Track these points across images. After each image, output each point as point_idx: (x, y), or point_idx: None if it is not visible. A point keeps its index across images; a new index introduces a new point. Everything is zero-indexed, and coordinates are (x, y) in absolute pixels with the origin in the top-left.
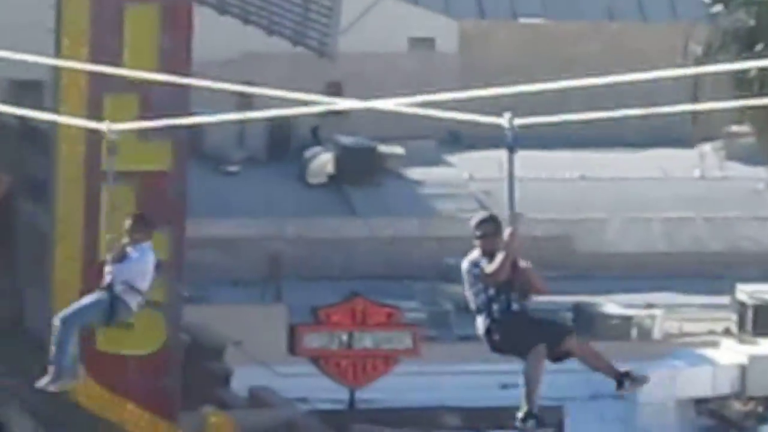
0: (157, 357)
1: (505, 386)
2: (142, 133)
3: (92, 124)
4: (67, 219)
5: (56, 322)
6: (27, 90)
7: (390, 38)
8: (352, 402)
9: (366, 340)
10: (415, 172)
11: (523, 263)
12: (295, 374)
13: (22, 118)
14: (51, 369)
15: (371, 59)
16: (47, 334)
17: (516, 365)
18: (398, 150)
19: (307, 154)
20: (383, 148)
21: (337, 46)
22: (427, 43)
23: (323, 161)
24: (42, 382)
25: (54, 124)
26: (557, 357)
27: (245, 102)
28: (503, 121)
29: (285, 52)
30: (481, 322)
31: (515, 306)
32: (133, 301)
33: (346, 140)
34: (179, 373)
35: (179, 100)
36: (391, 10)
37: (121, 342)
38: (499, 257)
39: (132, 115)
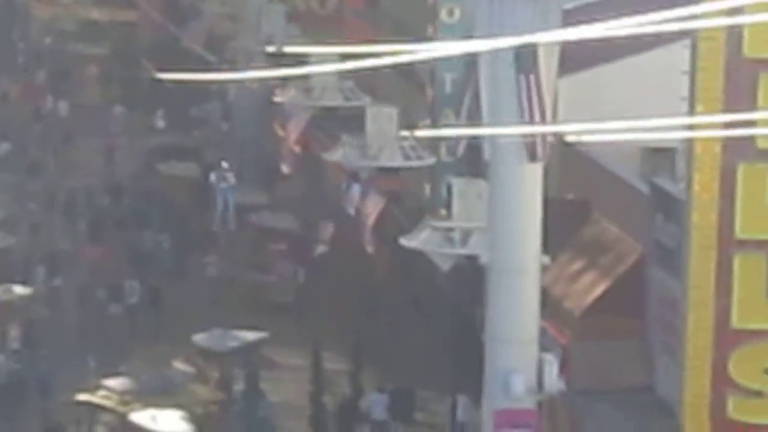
0: None
1: None
2: None
3: None
4: (698, 287)
5: None
6: (660, 157)
7: None
8: None
9: None
10: None
11: None
12: None
13: (654, 187)
14: None
15: None
16: (675, 402)
17: None
18: None
19: None
20: None
21: None
22: None
23: None
24: None
25: (687, 192)
26: None
27: None
28: None
29: None
30: None
31: None
32: None
33: None
34: None
35: None
36: None
37: (753, 411)
38: None
39: (764, 185)
